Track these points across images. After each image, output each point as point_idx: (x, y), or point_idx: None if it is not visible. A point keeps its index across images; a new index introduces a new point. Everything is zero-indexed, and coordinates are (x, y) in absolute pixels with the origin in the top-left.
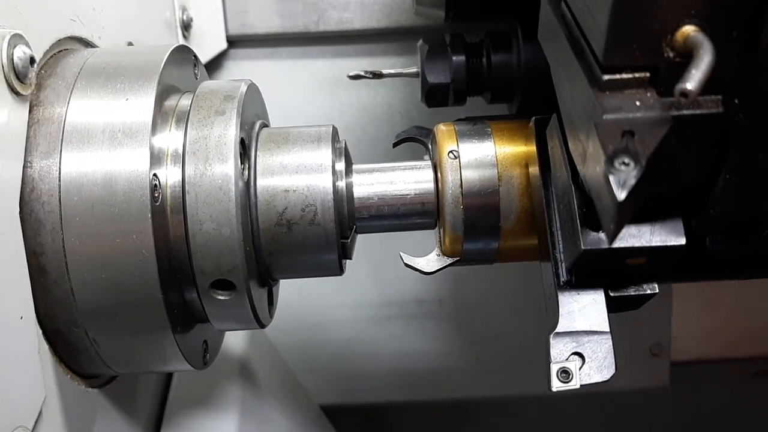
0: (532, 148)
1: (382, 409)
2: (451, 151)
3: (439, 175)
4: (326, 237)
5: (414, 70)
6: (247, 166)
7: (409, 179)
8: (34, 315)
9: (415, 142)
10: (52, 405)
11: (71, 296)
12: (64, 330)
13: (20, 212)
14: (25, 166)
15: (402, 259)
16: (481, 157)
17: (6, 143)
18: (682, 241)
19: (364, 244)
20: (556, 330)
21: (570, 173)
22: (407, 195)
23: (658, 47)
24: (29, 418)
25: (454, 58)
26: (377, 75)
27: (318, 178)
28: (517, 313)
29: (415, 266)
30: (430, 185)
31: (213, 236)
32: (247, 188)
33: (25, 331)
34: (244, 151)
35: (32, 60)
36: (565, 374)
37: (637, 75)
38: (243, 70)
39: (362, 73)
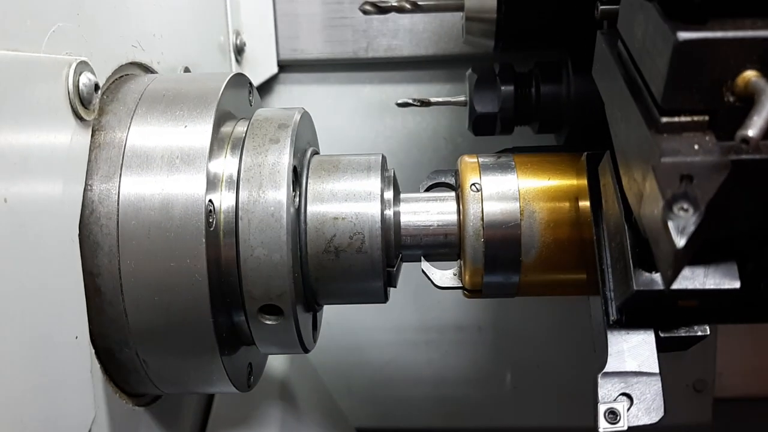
0: (560, 181)
1: None
2: (473, 184)
3: (461, 207)
4: (373, 265)
5: (462, 99)
6: (298, 193)
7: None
8: (89, 335)
9: (443, 186)
10: (101, 423)
11: (124, 317)
12: (115, 349)
13: (79, 234)
14: (85, 189)
15: (421, 263)
16: (503, 190)
17: (69, 166)
18: (737, 285)
19: (405, 267)
20: (605, 369)
21: (623, 212)
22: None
23: (718, 92)
24: None
25: (502, 87)
26: (425, 103)
27: (366, 206)
28: (557, 343)
29: (429, 275)
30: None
31: (264, 262)
32: (298, 215)
33: (80, 350)
34: (296, 178)
35: (96, 86)
36: (613, 415)
37: (695, 118)
38: (293, 93)
39: (410, 101)
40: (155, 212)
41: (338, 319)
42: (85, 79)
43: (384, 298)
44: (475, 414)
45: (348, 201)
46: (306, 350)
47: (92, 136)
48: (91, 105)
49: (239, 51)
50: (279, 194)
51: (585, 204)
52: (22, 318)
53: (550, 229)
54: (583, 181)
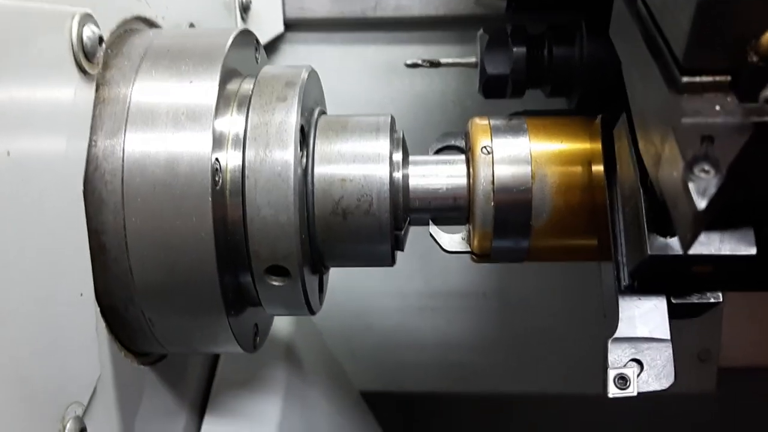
0: (573, 145)
1: (421, 398)
2: (484, 147)
3: (471, 170)
4: (380, 228)
5: (472, 60)
6: (305, 153)
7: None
8: (93, 292)
9: (452, 149)
10: (106, 381)
11: (129, 275)
12: (120, 308)
13: (84, 190)
14: (90, 145)
15: (429, 227)
16: (514, 153)
17: (72, 121)
18: (753, 251)
19: (411, 233)
20: (615, 335)
21: (639, 175)
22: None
23: (742, 51)
24: (85, 393)
25: (514, 49)
26: (435, 64)
27: (375, 168)
28: (561, 310)
29: (437, 239)
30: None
31: (270, 222)
32: (305, 176)
33: (84, 308)
34: (303, 138)
35: (101, 39)
36: (623, 380)
37: (717, 79)
38: (298, 53)
39: (419, 62)
40: (160, 170)
41: (343, 284)
42: (89, 31)
43: (391, 262)
44: (479, 380)
45: (356, 162)
46: (312, 312)
47: (96, 90)
48: (95, 58)
49: (245, 9)
50: (286, 154)
51: (598, 168)
52: (26, 274)
53: (562, 193)
54: (597, 145)
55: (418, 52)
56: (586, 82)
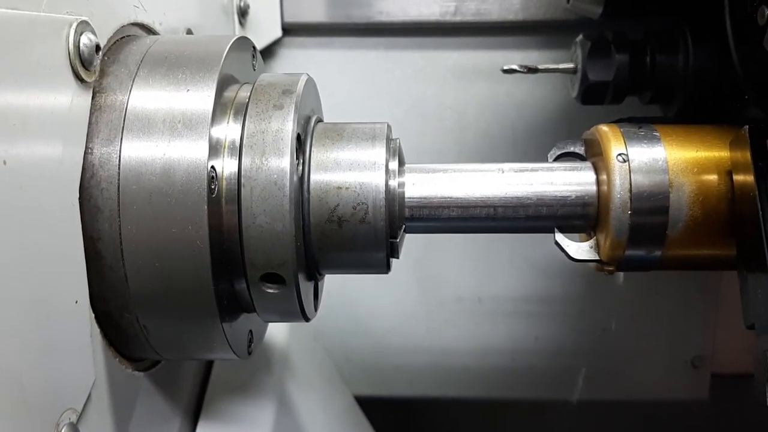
0: (709, 153)
1: (415, 403)
2: (619, 154)
3: (603, 177)
4: (376, 236)
5: (570, 66)
6: (301, 161)
7: (470, 182)
8: (88, 299)
9: (572, 156)
10: (100, 387)
11: (125, 282)
12: (115, 314)
13: (80, 198)
14: (86, 153)
15: (554, 235)
16: (652, 161)
17: (69, 129)
18: None
19: (406, 240)
20: None
21: None
22: (464, 198)
23: None
24: (79, 400)
25: (617, 56)
26: (532, 70)
27: (371, 176)
28: (556, 316)
29: (563, 247)
30: (488, 191)
31: (266, 230)
32: (301, 183)
33: (79, 315)
34: (300, 146)
35: (98, 47)
36: None
37: None
38: (296, 58)
39: (516, 68)
40: (156, 177)
41: (338, 288)
42: (86, 39)
43: (386, 269)
44: (473, 385)
45: (352, 170)
46: (307, 319)
47: (93, 98)
48: (92, 66)
49: (243, 13)
50: (282, 162)
51: (742, 177)
52: (22, 281)
53: (699, 202)
54: (738, 154)
55: (414, 57)
56: (691, 90)
